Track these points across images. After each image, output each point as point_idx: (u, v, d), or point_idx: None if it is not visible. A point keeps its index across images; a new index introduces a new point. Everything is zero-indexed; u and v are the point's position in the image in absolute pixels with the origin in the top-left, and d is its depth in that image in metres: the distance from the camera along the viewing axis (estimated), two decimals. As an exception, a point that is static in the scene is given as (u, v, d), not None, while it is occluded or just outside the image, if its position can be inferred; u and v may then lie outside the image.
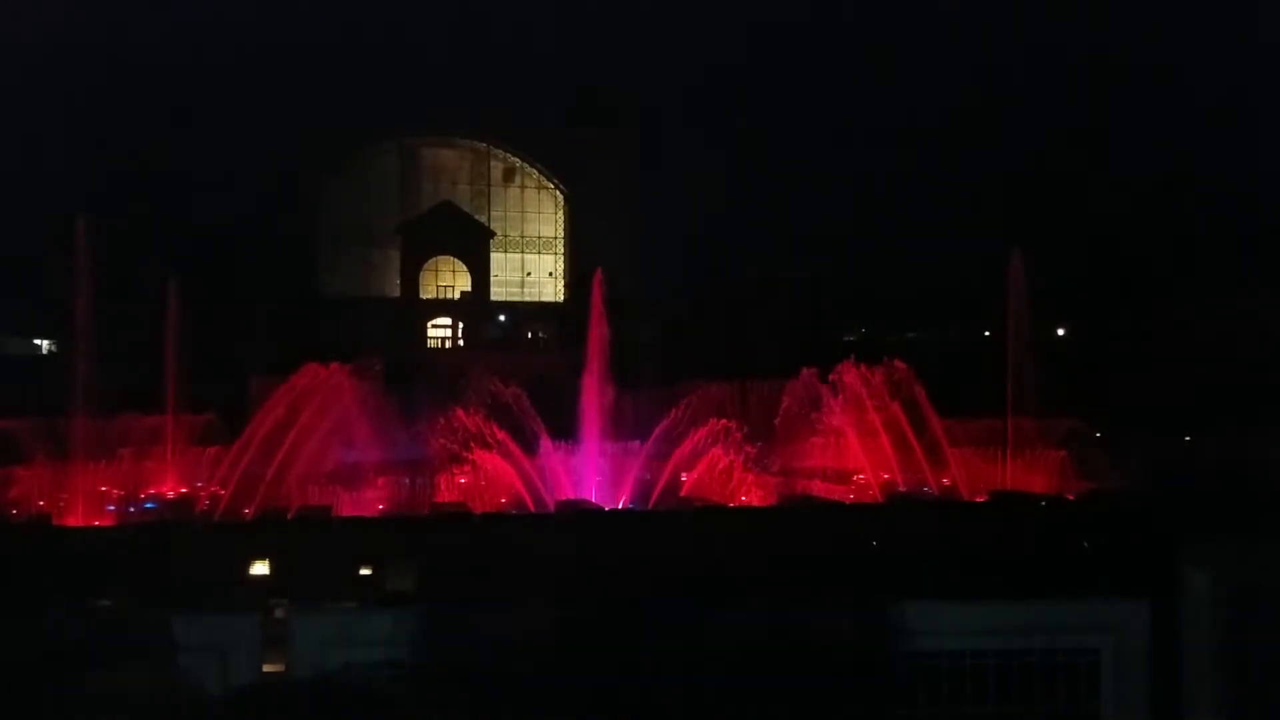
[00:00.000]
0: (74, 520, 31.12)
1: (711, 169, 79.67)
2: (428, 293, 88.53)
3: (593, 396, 37.75)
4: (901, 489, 36.52)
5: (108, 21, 72.70)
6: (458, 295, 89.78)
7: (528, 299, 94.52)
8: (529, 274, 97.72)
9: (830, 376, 39.11)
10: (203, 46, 75.97)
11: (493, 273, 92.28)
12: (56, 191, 59.98)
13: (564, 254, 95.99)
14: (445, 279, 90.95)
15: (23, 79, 67.64)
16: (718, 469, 37.24)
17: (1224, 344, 53.58)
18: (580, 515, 23.33)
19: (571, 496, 33.93)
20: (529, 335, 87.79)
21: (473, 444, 40.31)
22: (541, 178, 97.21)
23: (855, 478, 36.92)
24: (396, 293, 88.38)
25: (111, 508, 32.93)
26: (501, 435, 35.99)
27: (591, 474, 34.59)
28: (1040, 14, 78.79)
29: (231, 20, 77.12)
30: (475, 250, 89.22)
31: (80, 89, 71.76)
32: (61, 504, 32.44)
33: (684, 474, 38.91)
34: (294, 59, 76.02)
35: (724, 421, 36.36)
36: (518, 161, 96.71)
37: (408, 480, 36.85)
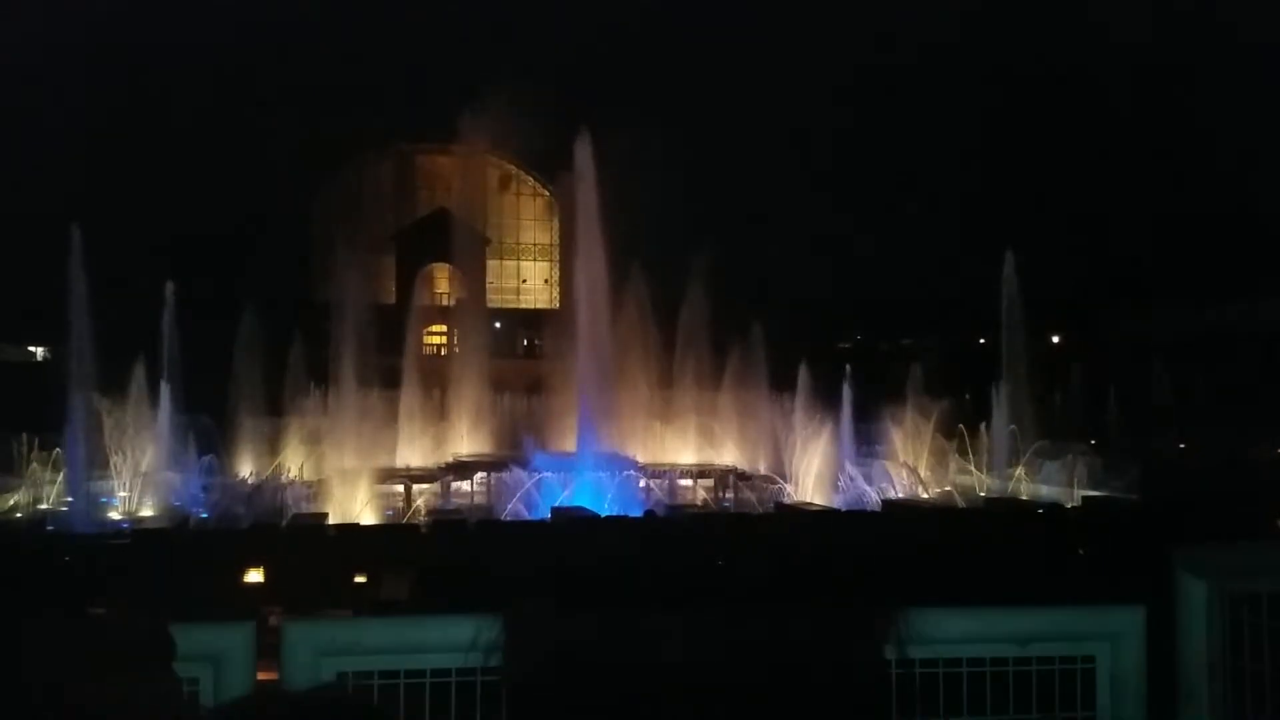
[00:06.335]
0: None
1: (706, 174, 79.83)
2: (423, 300, 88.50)
3: (588, 405, 37.70)
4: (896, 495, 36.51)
5: (100, 22, 72.73)
6: (453, 302, 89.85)
7: (523, 305, 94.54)
8: (524, 280, 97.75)
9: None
10: (198, 50, 76.04)
11: (488, 279, 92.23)
12: (49, 196, 59.94)
13: (558, 261, 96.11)
14: (441, 286, 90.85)
15: (14, 81, 67.62)
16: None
17: (1221, 348, 53.68)
18: (576, 522, 23.30)
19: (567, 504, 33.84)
20: (524, 342, 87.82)
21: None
22: (536, 185, 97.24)
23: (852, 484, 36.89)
24: (392, 300, 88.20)
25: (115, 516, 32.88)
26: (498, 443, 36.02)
27: (587, 482, 34.50)
28: (1033, 17, 79.04)
29: (227, 24, 77.19)
30: (471, 257, 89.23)
31: (72, 92, 71.74)
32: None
33: (681, 481, 39.05)
34: (289, 64, 76.09)
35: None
36: (513, 168, 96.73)
37: (404, 488, 36.84)
